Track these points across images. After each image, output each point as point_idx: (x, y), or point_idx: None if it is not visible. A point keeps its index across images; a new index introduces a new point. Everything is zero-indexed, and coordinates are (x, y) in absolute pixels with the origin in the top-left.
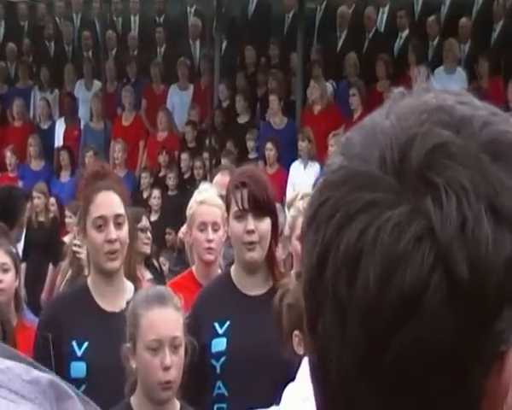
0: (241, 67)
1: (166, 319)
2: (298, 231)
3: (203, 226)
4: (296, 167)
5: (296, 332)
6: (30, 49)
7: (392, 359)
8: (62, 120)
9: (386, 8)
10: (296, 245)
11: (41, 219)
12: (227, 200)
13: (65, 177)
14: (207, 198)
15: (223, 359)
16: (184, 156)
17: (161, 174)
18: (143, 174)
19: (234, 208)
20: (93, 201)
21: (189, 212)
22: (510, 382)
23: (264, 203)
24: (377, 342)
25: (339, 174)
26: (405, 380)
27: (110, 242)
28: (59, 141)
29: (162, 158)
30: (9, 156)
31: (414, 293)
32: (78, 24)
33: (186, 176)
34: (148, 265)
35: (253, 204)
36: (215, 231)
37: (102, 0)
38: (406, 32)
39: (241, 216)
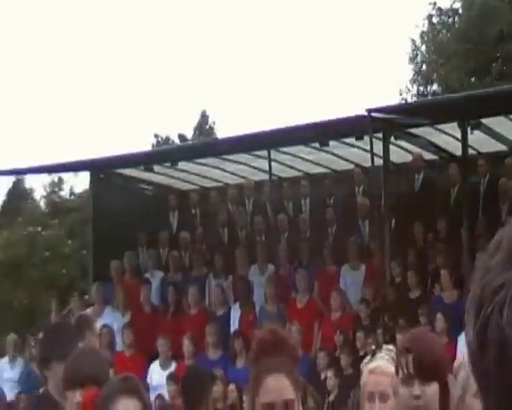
0: (411, 243)
1: None
2: (472, 389)
3: (370, 396)
4: (463, 340)
5: None
6: (203, 236)
7: None
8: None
9: None
10: (472, 403)
11: (219, 406)
12: (396, 364)
13: (240, 363)
14: (378, 366)
15: None
16: (359, 335)
17: (337, 354)
18: (320, 354)
19: (400, 373)
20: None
21: (362, 381)
22: None
23: (430, 367)
24: None
25: None
26: None
27: None
28: (234, 326)
29: (336, 338)
30: (187, 344)
31: None
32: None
33: (361, 353)
34: None
35: (418, 368)
36: (382, 401)
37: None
38: None
39: (407, 381)
